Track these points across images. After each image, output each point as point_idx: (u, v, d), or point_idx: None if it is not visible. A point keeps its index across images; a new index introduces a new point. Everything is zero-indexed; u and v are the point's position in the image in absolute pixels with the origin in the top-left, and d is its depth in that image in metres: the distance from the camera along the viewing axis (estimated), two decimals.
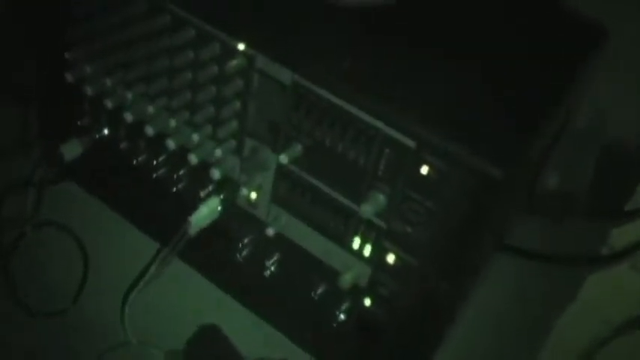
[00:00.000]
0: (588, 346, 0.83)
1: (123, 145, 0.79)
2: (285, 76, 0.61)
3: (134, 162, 0.78)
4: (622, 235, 0.96)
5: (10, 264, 0.79)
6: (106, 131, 0.79)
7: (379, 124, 0.58)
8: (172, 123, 0.70)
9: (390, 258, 0.64)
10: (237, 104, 0.66)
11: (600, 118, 0.91)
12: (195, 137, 0.69)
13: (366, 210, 0.61)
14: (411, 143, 0.57)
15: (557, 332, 0.85)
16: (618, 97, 0.91)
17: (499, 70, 0.62)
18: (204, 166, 0.70)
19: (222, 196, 0.73)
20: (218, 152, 0.68)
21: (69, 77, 0.75)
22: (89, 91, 0.75)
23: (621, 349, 0.84)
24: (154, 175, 0.77)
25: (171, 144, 0.70)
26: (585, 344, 0.83)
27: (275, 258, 0.74)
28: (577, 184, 0.95)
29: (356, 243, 0.66)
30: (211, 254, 0.77)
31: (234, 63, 0.63)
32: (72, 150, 0.80)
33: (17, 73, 0.87)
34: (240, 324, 0.78)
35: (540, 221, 0.93)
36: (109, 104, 0.74)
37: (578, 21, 0.71)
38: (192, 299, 0.79)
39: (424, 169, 0.57)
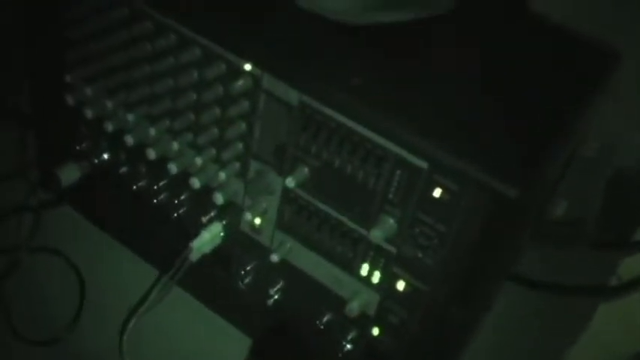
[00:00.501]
0: None
1: (122, 170, 0.77)
2: (292, 96, 0.60)
3: (134, 187, 0.76)
4: (631, 266, 0.95)
5: (4, 290, 0.77)
6: (105, 155, 0.78)
7: (390, 145, 0.56)
8: (175, 146, 0.69)
9: (400, 285, 0.62)
10: (243, 126, 0.64)
11: (609, 145, 0.90)
12: (199, 160, 0.68)
13: (376, 235, 0.59)
14: (423, 164, 0.55)
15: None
16: (628, 124, 0.90)
17: (511, 91, 0.61)
18: (207, 191, 0.69)
19: (225, 222, 0.71)
20: (222, 176, 0.67)
21: (69, 100, 0.74)
22: (89, 114, 0.73)
23: None
24: (155, 201, 0.75)
25: (173, 168, 0.69)
26: None
27: (279, 285, 0.72)
28: (585, 213, 0.94)
29: (364, 269, 0.64)
30: (213, 281, 0.75)
31: (240, 83, 0.62)
32: (69, 174, 0.78)
33: (15, 96, 0.86)
34: (242, 352, 0.76)
35: (547, 249, 0.92)
36: (109, 127, 0.73)
37: (589, 45, 0.70)
38: (193, 327, 0.77)
39: (437, 192, 0.56)
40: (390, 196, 0.58)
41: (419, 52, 0.63)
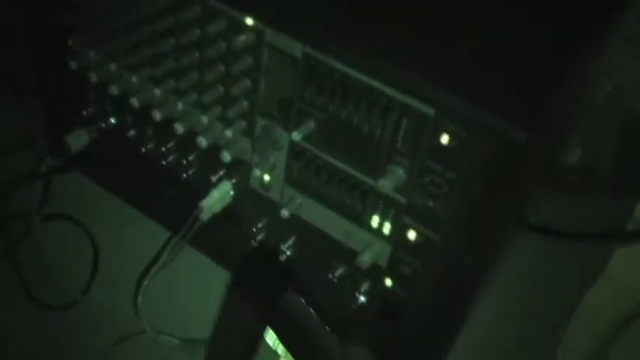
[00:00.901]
0: (616, 321, 0.81)
1: (130, 133, 0.77)
2: (296, 49, 0.59)
3: (142, 150, 0.76)
4: None
5: (19, 257, 0.77)
6: (112, 120, 0.78)
7: (395, 93, 0.56)
8: (180, 106, 0.69)
9: (411, 234, 0.62)
10: (247, 82, 0.64)
11: (621, 92, 0.89)
12: (204, 119, 0.68)
13: (385, 185, 0.59)
14: (429, 111, 0.55)
15: (584, 308, 0.83)
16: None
17: (515, 33, 0.60)
18: (215, 150, 0.69)
19: (234, 180, 0.71)
20: (228, 133, 0.67)
21: (72, 65, 0.74)
22: (93, 78, 0.73)
23: None
24: (163, 162, 0.75)
25: (179, 128, 0.69)
26: (613, 319, 0.81)
27: (291, 241, 0.72)
28: (599, 159, 0.93)
29: (375, 221, 0.64)
30: (225, 239, 0.75)
31: (242, 38, 0.61)
32: (78, 140, 0.78)
33: (18, 64, 0.86)
34: None
35: (563, 197, 0.91)
36: (114, 90, 0.73)
37: None
38: (206, 286, 0.78)
39: (444, 138, 0.55)
40: (398, 145, 0.58)
41: (424, 2, 0.62)
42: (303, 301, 0.46)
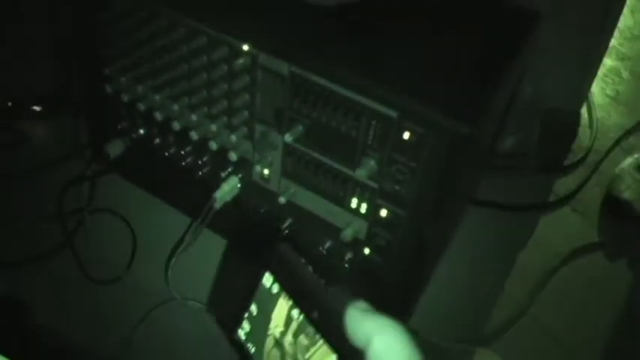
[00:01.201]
0: (543, 274, 0.79)
1: (156, 141, 0.73)
2: (283, 68, 0.56)
3: (166, 154, 0.73)
4: (563, 185, 0.92)
5: (75, 244, 0.74)
6: (141, 131, 0.74)
7: (365, 101, 0.53)
8: (194, 117, 0.65)
9: (383, 212, 0.59)
10: (246, 96, 0.61)
11: (541, 90, 0.86)
12: (214, 127, 0.64)
13: (361, 174, 0.56)
14: (393, 114, 0.52)
15: (518, 264, 0.80)
16: (555, 73, 0.86)
17: (458, 51, 0.57)
18: (223, 152, 0.65)
19: (240, 175, 0.68)
20: (233, 138, 0.63)
21: (108, 89, 0.70)
22: (125, 98, 0.70)
23: (569, 275, 0.80)
24: (183, 163, 0.71)
25: (194, 135, 0.66)
26: (540, 273, 0.79)
27: (288, 222, 0.69)
28: (526, 145, 0.91)
29: (354, 203, 0.61)
30: (235, 223, 0.72)
31: (240, 61, 0.58)
32: (115, 149, 0.75)
33: (69, 90, 0.83)
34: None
35: (499, 177, 0.89)
36: (141, 107, 0.69)
37: (514, 9, 0.65)
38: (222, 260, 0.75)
39: (406, 135, 0.52)
40: (369, 142, 0.55)
41: (382, 27, 0.59)
42: (293, 251, 0.44)
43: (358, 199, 0.60)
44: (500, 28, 0.63)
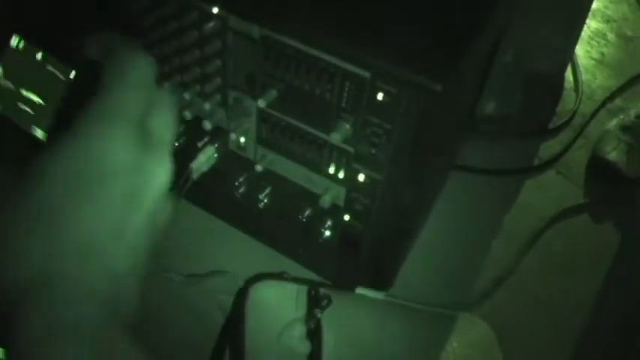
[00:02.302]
0: (528, 237, 0.79)
1: None
2: (254, 31, 0.54)
3: None
4: (547, 149, 0.92)
5: None
6: None
7: (338, 62, 0.51)
8: (166, 86, 0.63)
9: (360, 177, 0.58)
10: (218, 62, 0.59)
11: (523, 50, 0.85)
12: (187, 96, 0.63)
13: (335, 137, 0.55)
14: (366, 74, 0.50)
15: (503, 228, 0.80)
16: (538, 35, 0.85)
17: (431, 8, 0.55)
18: (198, 121, 0.64)
19: (216, 145, 0.66)
20: (207, 106, 0.62)
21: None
22: None
23: (554, 237, 0.80)
24: None
25: None
26: (525, 236, 0.79)
27: (267, 191, 0.68)
28: (509, 109, 0.90)
29: (331, 169, 0.60)
30: (214, 194, 0.71)
31: (210, 25, 0.57)
32: None
33: None
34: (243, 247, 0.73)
35: (482, 142, 0.88)
36: None
37: None
38: (202, 233, 0.74)
39: (380, 96, 0.51)
40: (343, 104, 0.54)
41: None
42: None
43: (335, 164, 0.59)
44: None
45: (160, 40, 0.61)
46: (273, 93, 0.57)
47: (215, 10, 0.56)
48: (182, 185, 0.65)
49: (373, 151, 0.55)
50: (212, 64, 0.59)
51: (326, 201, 0.61)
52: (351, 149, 0.57)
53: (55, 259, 0.40)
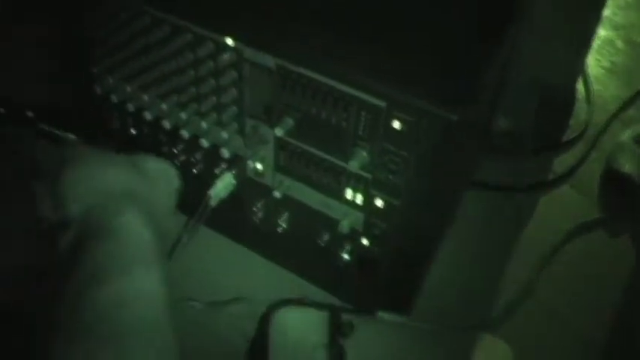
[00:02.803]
0: (545, 254, 0.78)
1: (147, 141, 0.72)
2: (270, 62, 0.55)
3: (159, 153, 0.72)
4: (561, 162, 0.91)
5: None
6: (132, 131, 0.73)
7: (353, 91, 0.52)
8: (183, 115, 0.64)
9: (378, 202, 0.59)
10: (234, 91, 0.60)
11: (536, 68, 0.85)
12: (204, 124, 0.64)
13: (353, 165, 0.55)
14: (381, 103, 0.51)
15: (519, 245, 0.80)
16: (548, 49, 0.85)
17: (443, 36, 0.56)
18: (216, 148, 0.65)
19: (234, 172, 0.67)
20: (224, 134, 0.63)
21: (97, 89, 0.70)
22: (114, 99, 0.69)
23: (571, 253, 0.79)
24: (176, 161, 0.71)
25: (185, 133, 0.65)
26: (542, 253, 0.78)
27: (285, 216, 0.68)
28: (522, 125, 0.89)
29: (349, 194, 0.60)
30: (233, 219, 0.71)
31: (226, 57, 0.57)
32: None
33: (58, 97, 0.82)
34: (266, 274, 0.73)
35: (496, 158, 0.88)
36: (131, 108, 0.68)
37: None
38: (223, 259, 0.74)
39: (396, 124, 0.51)
40: (360, 132, 0.54)
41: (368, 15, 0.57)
42: None
43: (353, 190, 0.60)
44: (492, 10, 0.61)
45: (177, 71, 0.61)
46: (290, 121, 0.58)
47: (230, 41, 0.56)
48: (200, 212, 0.66)
49: (390, 177, 0.56)
50: (229, 93, 0.60)
51: (344, 227, 0.62)
52: (368, 175, 0.57)
53: None
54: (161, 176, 0.64)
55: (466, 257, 0.76)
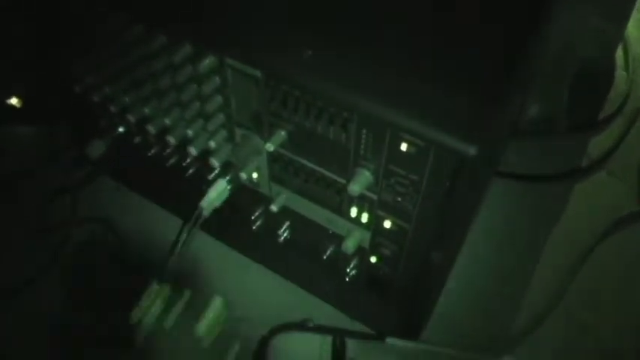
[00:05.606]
0: (577, 256, 0.69)
1: (137, 140, 0.65)
2: (255, 70, 0.46)
3: (149, 154, 0.64)
4: (597, 144, 0.81)
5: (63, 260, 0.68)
6: (120, 129, 0.65)
7: (353, 107, 0.42)
8: (167, 121, 0.56)
9: (387, 223, 0.50)
10: (219, 98, 0.51)
11: (572, 46, 0.73)
12: (190, 132, 0.55)
13: (354, 189, 0.46)
14: (384, 124, 0.41)
15: (552, 239, 0.70)
16: (588, 25, 0.73)
17: (457, 53, 0.45)
18: (207, 153, 0.56)
19: (227, 178, 0.59)
20: (212, 143, 0.54)
21: (77, 88, 0.61)
22: (95, 98, 0.61)
23: (607, 253, 0.70)
24: (167, 164, 0.63)
25: (171, 139, 0.57)
26: (573, 254, 0.69)
27: (286, 226, 0.60)
28: (557, 108, 0.78)
29: (353, 212, 0.52)
30: (231, 226, 0.64)
31: (206, 62, 0.48)
32: (96, 149, 0.66)
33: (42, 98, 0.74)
34: (265, 282, 0.66)
35: (528, 145, 0.77)
36: (112, 108, 0.60)
37: None
38: (218, 264, 0.67)
39: (404, 147, 0.42)
40: (362, 152, 0.45)
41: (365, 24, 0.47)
42: None
43: (357, 208, 0.51)
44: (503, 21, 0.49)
45: (155, 74, 0.53)
46: (282, 134, 0.49)
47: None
48: (193, 223, 0.58)
49: (399, 200, 0.47)
50: (213, 100, 0.51)
51: (349, 246, 0.53)
52: (373, 196, 0.48)
53: None
54: None
55: (486, 262, 0.67)
